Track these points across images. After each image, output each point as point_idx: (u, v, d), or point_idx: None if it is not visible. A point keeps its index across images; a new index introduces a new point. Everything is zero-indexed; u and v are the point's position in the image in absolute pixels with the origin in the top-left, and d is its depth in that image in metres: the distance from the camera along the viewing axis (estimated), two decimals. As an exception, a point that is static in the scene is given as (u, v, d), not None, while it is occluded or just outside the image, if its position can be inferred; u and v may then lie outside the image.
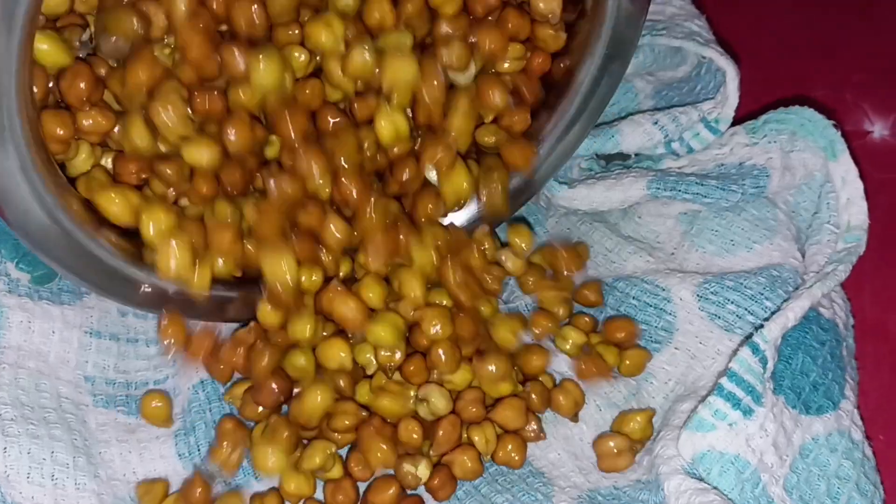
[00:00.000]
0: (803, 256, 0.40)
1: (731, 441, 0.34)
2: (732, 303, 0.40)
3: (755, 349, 0.35)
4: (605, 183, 0.43)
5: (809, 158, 0.41)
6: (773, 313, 0.38)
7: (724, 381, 0.35)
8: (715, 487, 0.34)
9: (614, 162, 0.46)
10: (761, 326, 0.36)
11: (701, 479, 0.35)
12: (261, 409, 0.38)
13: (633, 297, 0.43)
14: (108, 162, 0.37)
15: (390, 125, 0.36)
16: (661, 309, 0.42)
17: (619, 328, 0.42)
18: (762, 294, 0.39)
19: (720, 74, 0.43)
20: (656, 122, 0.43)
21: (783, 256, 0.40)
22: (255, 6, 0.34)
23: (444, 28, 0.37)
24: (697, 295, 0.41)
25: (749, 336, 0.37)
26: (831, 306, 0.39)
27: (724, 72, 0.42)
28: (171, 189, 0.36)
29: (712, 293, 0.40)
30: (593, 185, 0.43)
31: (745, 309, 0.39)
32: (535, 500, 0.38)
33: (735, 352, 0.36)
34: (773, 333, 0.35)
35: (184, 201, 0.37)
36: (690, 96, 0.45)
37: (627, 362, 0.41)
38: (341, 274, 0.39)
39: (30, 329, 0.40)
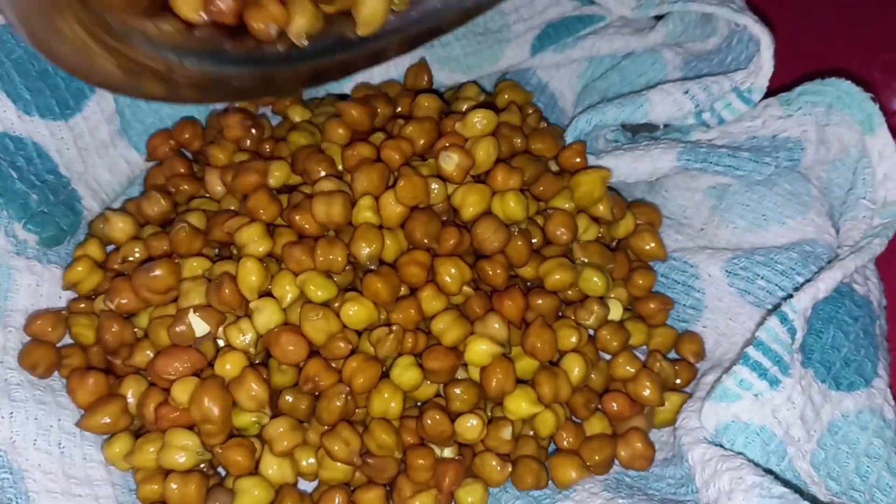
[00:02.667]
0: (837, 233, 0.42)
1: (756, 411, 0.36)
2: (763, 278, 0.41)
3: (783, 318, 0.37)
4: (633, 154, 0.44)
5: (845, 133, 0.42)
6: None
7: (750, 350, 0.36)
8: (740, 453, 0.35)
9: (641, 133, 0.47)
10: (791, 297, 0.37)
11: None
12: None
13: (661, 275, 0.45)
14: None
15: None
16: (689, 286, 0.43)
17: (651, 301, 0.43)
18: (794, 269, 0.40)
19: (752, 45, 0.44)
20: (687, 92, 0.44)
21: (817, 232, 0.41)
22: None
23: None
24: (726, 271, 0.42)
25: (777, 306, 0.38)
26: (865, 283, 0.41)
27: (758, 41, 0.43)
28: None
29: (742, 269, 0.42)
30: (621, 155, 0.44)
31: (776, 284, 0.41)
32: None
33: (762, 321, 0.37)
34: (803, 303, 0.37)
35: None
36: (721, 68, 0.46)
37: (657, 339, 0.43)
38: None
39: (38, 293, 0.41)
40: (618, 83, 0.49)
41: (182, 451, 0.37)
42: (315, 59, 0.42)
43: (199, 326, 0.39)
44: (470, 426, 0.38)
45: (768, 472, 0.35)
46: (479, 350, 0.39)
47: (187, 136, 0.46)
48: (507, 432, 0.39)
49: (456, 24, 0.45)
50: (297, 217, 0.40)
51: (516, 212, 0.40)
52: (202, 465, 0.39)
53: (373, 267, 0.39)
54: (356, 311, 0.38)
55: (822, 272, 0.38)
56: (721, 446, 0.36)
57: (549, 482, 0.40)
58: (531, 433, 0.41)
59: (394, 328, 0.38)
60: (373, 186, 0.40)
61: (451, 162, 0.40)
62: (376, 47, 0.43)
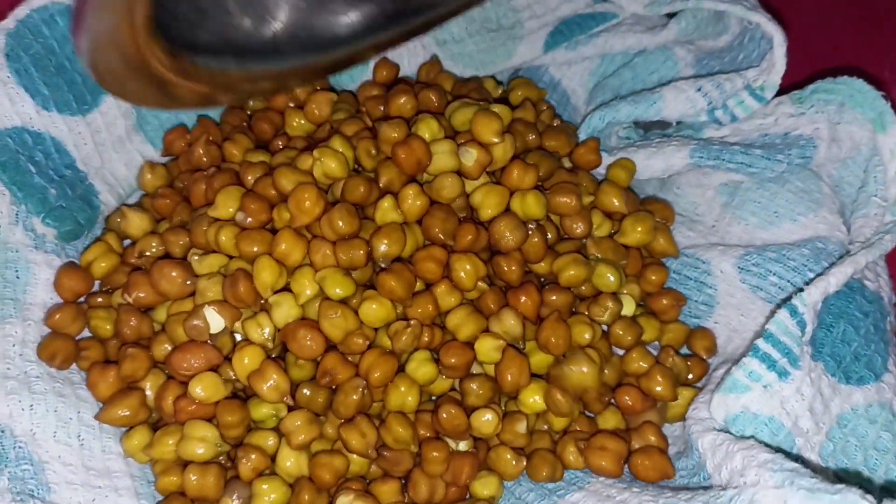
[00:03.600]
0: (848, 230, 0.42)
1: (765, 403, 0.37)
2: (775, 274, 0.42)
3: (793, 311, 0.37)
4: (646, 151, 0.45)
5: (856, 131, 0.43)
6: (815, 281, 0.39)
7: (760, 342, 0.37)
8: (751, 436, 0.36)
9: (653, 131, 0.48)
10: (802, 290, 0.38)
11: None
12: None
13: (673, 272, 0.46)
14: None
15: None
16: (701, 282, 0.44)
17: (664, 297, 0.44)
18: (805, 265, 0.41)
19: (764, 43, 0.45)
20: (699, 89, 0.45)
21: (829, 229, 0.42)
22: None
23: None
24: (739, 267, 0.43)
25: (788, 298, 0.39)
26: (877, 280, 0.41)
27: (770, 39, 0.44)
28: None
29: (754, 265, 0.42)
30: (634, 152, 0.45)
31: (788, 281, 0.41)
32: (575, 477, 0.41)
33: (773, 313, 0.38)
34: (813, 297, 0.38)
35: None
36: (732, 66, 0.47)
37: (669, 335, 0.43)
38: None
39: (57, 287, 0.41)
40: (630, 81, 0.49)
41: (201, 442, 0.38)
42: (315, 54, 0.43)
43: (215, 321, 0.39)
44: (486, 421, 0.39)
45: (779, 450, 0.35)
46: (487, 348, 0.40)
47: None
48: (521, 426, 0.40)
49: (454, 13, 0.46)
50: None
51: (536, 211, 0.41)
52: (220, 458, 0.39)
53: (384, 265, 0.40)
54: (375, 310, 0.39)
55: (833, 267, 0.39)
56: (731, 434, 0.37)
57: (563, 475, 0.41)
58: (545, 427, 0.42)
59: (412, 323, 0.39)
60: (397, 181, 0.41)
61: (469, 157, 0.41)
62: (376, 40, 0.44)
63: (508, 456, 0.40)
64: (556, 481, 0.40)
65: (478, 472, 0.40)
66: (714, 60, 0.48)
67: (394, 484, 0.39)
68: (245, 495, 0.38)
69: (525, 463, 0.40)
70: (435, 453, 0.39)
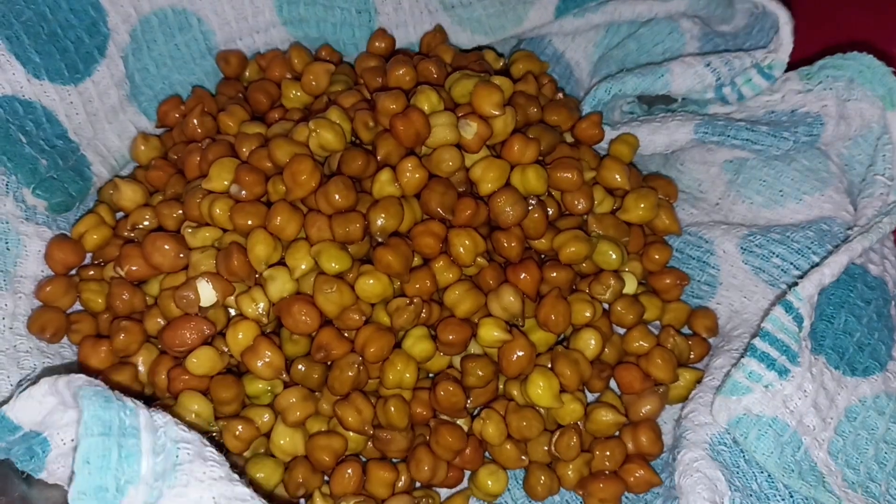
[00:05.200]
0: (856, 211, 0.42)
1: (767, 403, 0.36)
2: (778, 256, 0.41)
3: (788, 307, 0.37)
4: (650, 126, 0.44)
5: (867, 108, 0.42)
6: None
7: (756, 341, 0.37)
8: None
9: (657, 106, 0.47)
10: (796, 284, 0.37)
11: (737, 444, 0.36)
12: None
13: (676, 250, 0.45)
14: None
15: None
16: (704, 262, 0.44)
17: (666, 276, 0.43)
18: (809, 248, 0.41)
19: (772, 31, 0.44)
20: (708, 65, 0.44)
21: (835, 209, 0.41)
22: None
23: None
24: (742, 247, 0.42)
25: (785, 293, 0.38)
26: (882, 262, 0.41)
27: (776, 18, 0.43)
28: None
29: (757, 246, 0.42)
30: (637, 127, 0.44)
31: (791, 263, 0.41)
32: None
33: (768, 311, 0.38)
34: (808, 290, 0.37)
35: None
36: (739, 46, 0.46)
37: (671, 314, 0.43)
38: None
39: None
40: (635, 52, 0.49)
41: (193, 415, 0.38)
42: None
43: (207, 293, 0.39)
44: (490, 434, 0.39)
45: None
46: (491, 336, 0.39)
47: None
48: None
49: None
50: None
51: (537, 186, 0.41)
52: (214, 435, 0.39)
53: (381, 239, 0.39)
54: (372, 285, 0.38)
55: (829, 256, 0.38)
56: (734, 441, 0.36)
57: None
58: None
59: (414, 300, 0.38)
60: (395, 154, 0.40)
61: (469, 130, 0.40)
62: None
63: (509, 447, 0.40)
64: (554, 494, 0.40)
65: (483, 461, 0.40)
66: (720, 37, 0.47)
67: (389, 473, 0.39)
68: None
69: (528, 461, 0.40)
70: (450, 438, 0.39)
